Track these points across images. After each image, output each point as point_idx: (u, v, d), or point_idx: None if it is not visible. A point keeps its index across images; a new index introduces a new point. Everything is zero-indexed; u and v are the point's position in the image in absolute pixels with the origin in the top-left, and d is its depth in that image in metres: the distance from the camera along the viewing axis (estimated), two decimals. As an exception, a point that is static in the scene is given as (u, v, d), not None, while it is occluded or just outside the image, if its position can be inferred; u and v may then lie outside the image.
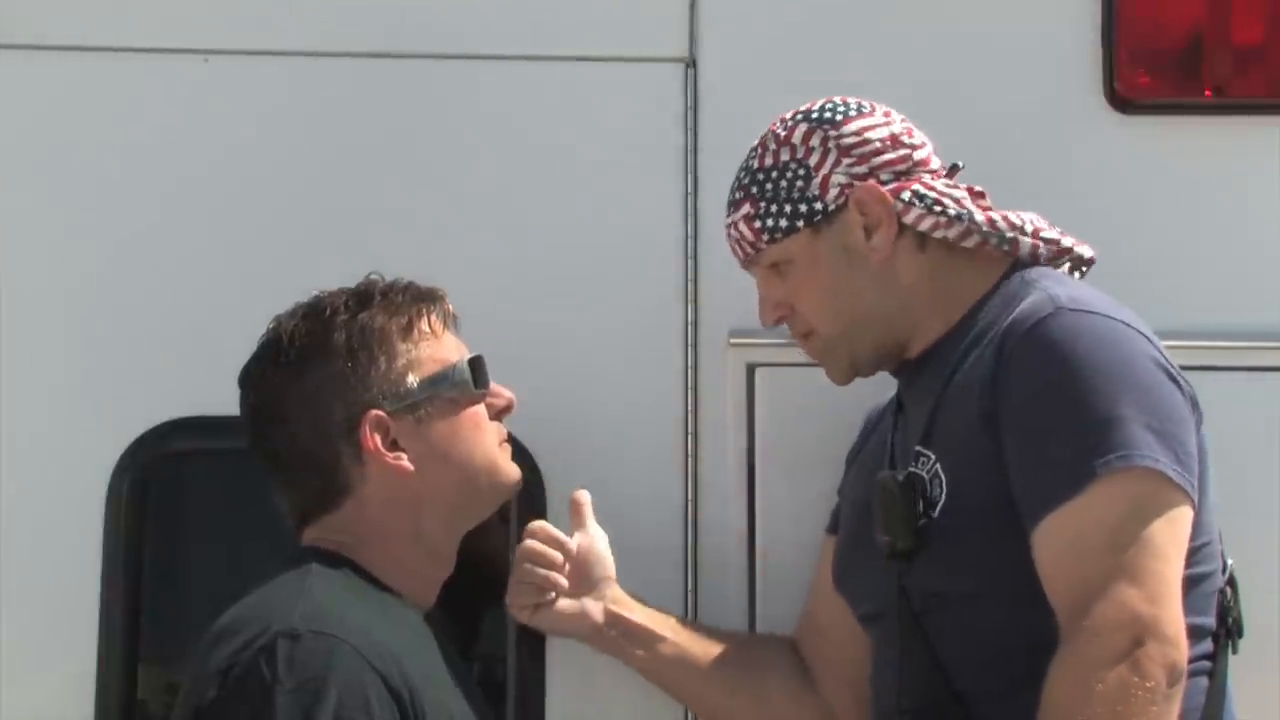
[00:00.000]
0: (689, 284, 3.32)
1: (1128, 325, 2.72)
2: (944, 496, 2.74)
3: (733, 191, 2.96)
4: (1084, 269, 2.97)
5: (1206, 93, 3.33)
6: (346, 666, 2.42)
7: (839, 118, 2.90)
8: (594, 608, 3.05)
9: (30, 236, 3.31)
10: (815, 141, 2.89)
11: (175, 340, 3.29)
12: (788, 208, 2.89)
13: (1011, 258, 2.89)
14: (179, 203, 3.32)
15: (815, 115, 2.92)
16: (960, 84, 3.32)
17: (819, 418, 3.20)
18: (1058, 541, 2.60)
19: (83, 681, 3.22)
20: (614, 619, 3.06)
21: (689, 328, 3.31)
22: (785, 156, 2.90)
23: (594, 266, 3.33)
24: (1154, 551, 2.57)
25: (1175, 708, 2.53)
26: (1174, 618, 2.55)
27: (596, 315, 3.32)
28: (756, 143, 2.95)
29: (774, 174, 2.90)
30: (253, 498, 3.08)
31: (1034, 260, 2.90)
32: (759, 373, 3.27)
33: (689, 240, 3.32)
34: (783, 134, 2.92)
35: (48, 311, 3.31)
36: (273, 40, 3.34)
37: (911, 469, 2.79)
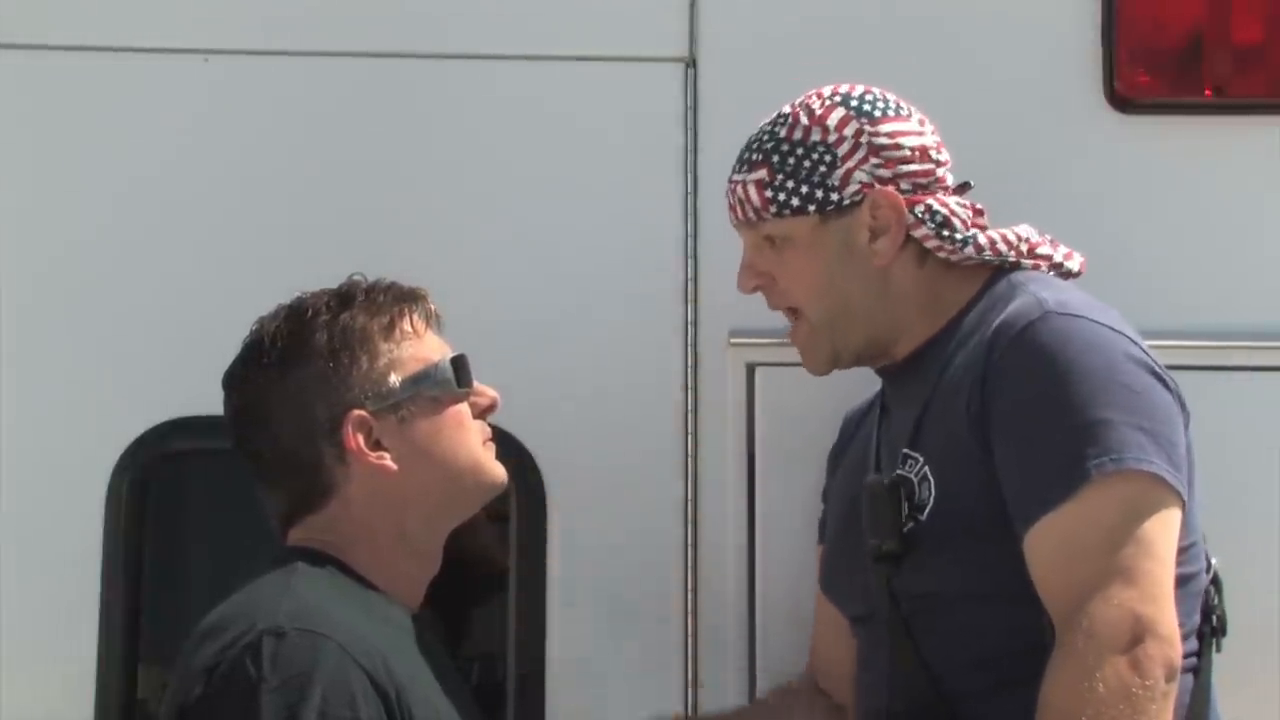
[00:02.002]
0: (689, 284, 3.32)
1: (1113, 329, 2.71)
2: (932, 499, 2.74)
3: (750, 150, 2.92)
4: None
5: (1206, 92, 3.33)
6: (332, 664, 2.41)
7: (877, 114, 2.87)
8: None
9: (30, 236, 3.31)
10: (849, 131, 2.86)
11: (175, 340, 3.29)
12: (804, 188, 2.86)
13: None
14: (178, 202, 3.33)
15: (855, 104, 2.88)
16: (961, 83, 3.32)
17: (819, 417, 3.20)
18: (1052, 543, 2.59)
19: (83, 681, 3.22)
20: None
21: (689, 328, 3.32)
22: (816, 136, 2.87)
23: (594, 266, 3.33)
24: (1149, 552, 2.57)
25: (1171, 705, 2.54)
26: (1170, 617, 2.55)
27: (597, 315, 3.32)
28: (788, 110, 2.91)
29: (799, 150, 2.87)
30: (252, 497, 3.08)
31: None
32: (759, 373, 3.27)
33: (689, 240, 3.32)
34: (818, 111, 2.88)
35: (48, 312, 3.31)
36: (273, 40, 3.35)
37: (899, 471, 2.79)
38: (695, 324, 3.32)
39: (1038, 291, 2.77)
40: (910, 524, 2.75)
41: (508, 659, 3.27)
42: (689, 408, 3.31)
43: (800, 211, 2.86)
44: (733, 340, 3.27)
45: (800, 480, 3.23)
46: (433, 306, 2.75)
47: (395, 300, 2.71)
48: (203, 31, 3.35)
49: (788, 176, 2.87)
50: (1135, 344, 2.72)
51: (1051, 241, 2.93)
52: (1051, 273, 2.92)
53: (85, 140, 3.34)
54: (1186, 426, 2.71)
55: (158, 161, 3.33)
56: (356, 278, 2.73)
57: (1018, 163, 3.28)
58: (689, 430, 3.30)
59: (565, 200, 3.34)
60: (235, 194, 3.33)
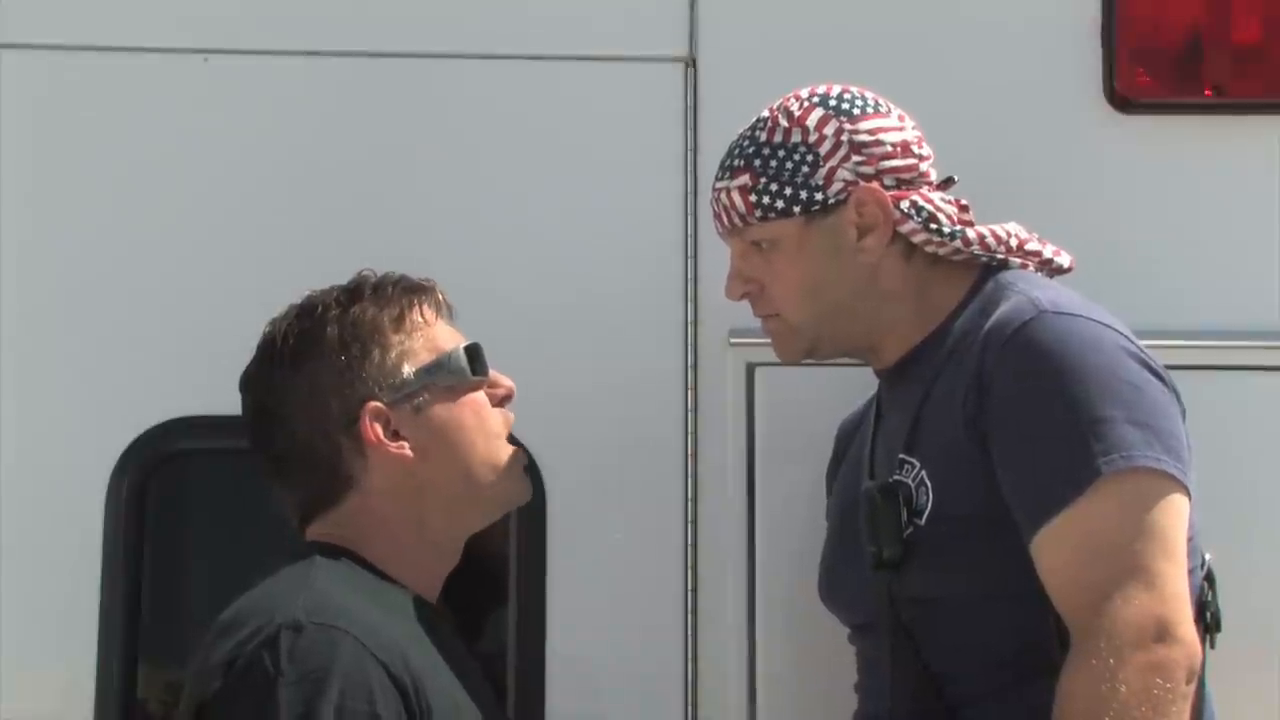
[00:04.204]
0: (689, 284, 3.32)
1: (1107, 326, 2.70)
2: (930, 503, 2.72)
3: (731, 157, 2.91)
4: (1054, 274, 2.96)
5: (1206, 92, 3.34)
6: (349, 658, 2.41)
7: (856, 111, 2.87)
8: None
9: (30, 236, 3.31)
10: (829, 130, 2.85)
11: (175, 340, 3.29)
12: (788, 190, 2.85)
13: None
14: (178, 202, 3.32)
15: (833, 103, 2.87)
16: (960, 83, 3.32)
17: (818, 417, 3.19)
18: (1066, 544, 2.57)
19: (82, 682, 3.21)
20: None
21: (689, 328, 3.32)
22: (796, 138, 2.86)
23: (594, 266, 3.33)
24: (1164, 551, 2.55)
25: (1189, 706, 2.53)
26: (1189, 619, 2.54)
27: (596, 315, 3.32)
28: (766, 114, 2.90)
29: (780, 152, 2.86)
30: (252, 497, 3.07)
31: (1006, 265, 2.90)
32: (759, 372, 3.27)
33: (689, 240, 3.32)
34: (797, 113, 2.87)
35: (48, 311, 3.30)
36: (272, 40, 3.35)
37: (896, 476, 2.78)
38: (695, 324, 3.32)
39: (1028, 291, 2.76)
40: (909, 529, 2.73)
41: (508, 659, 3.26)
42: (689, 408, 3.31)
43: (785, 214, 2.85)
44: (733, 340, 3.27)
45: (800, 480, 3.23)
46: (442, 296, 2.75)
47: (404, 292, 2.71)
48: (202, 31, 3.34)
49: (771, 179, 2.86)
50: (1131, 341, 2.71)
51: (1040, 239, 2.93)
52: (1042, 270, 2.92)
53: (84, 140, 3.33)
54: (1183, 421, 2.70)
55: (157, 162, 3.32)
56: (365, 273, 2.73)
57: (1017, 163, 3.28)
58: (689, 430, 3.30)
59: (565, 200, 3.34)
60: (235, 194, 3.32)
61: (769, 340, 2.96)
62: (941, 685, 2.72)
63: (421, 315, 2.71)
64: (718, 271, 3.14)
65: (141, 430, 3.26)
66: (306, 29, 3.35)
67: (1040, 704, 2.54)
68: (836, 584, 2.98)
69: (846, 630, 2.99)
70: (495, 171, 3.34)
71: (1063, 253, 2.94)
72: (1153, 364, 2.70)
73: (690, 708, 3.27)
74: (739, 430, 3.28)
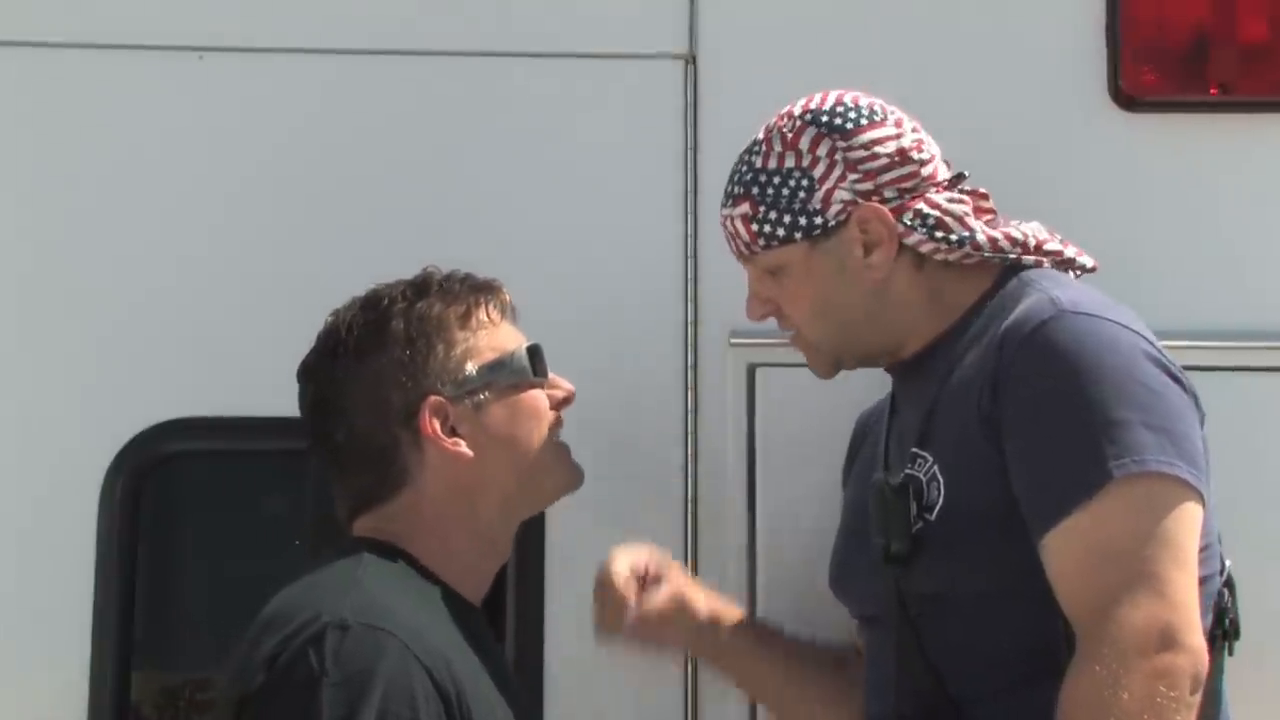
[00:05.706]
0: (689, 284, 3.31)
1: (1127, 327, 2.68)
2: (941, 499, 2.71)
3: (732, 183, 2.90)
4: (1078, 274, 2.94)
5: (1211, 90, 3.33)
6: (394, 661, 2.41)
7: (849, 126, 2.84)
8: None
9: (27, 236, 3.30)
10: (822, 151, 2.83)
11: (172, 340, 3.28)
12: (787, 218, 2.84)
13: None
14: (176, 201, 3.32)
15: (825, 120, 2.85)
16: (965, 82, 3.32)
17: (819, 418, 3.19)
18: (1075, 547, 2.56)
19: (76, 684, 3.20)
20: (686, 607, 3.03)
21: (689, 328, 3.31)
22: (790, 163, 2.84)
23: (594, 266, 3.32)
24: (1175, 558, 2.54)
25: (1194, 716, 2.51)
26: (1197, 627, 2.53)
27: (596, 315, 3.31)
28: (761, 136, 2.88)
29: (775, 179, 2.85)
30: (247, 499, 3.06)
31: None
32: (759, 373, 3.26)
33: (689, 240, 3.32)
34: (789, 135, 2.85)
35: (44, 311, 3.29)
36: (269, 37, 3.34)
37: (908, 471, 2.76)
38: (695, 324, 3.31)
39: (1050, 290, 2.74)
40: (919, 524, 2.72)
41: (507, 658, 3.25)
42: (689, 408, 3.30)
43: (788, 240, 2.84)
44: (733, 340, 3.26)
45: (801, 480, 3.23)
46: (507, 297, 2.76)
47: (471, 290, 2.72)
48: (198, 29, 3.32)
49: (769, 207, 2.84)
50: (1151, 343, 2.69)
51: (1061, 240, 2.91)
52: (1063, 269, 2.90)
53: (81, 139, 3.32)
54: (1201, 426, 2.69)
55: (154, 160, 3.31)
56: (430, 269, 2.74)
57: (1022, 161, 3.27)
58: (689, 430, 3.29)
59: (564, 199, 3.34)
60: (232, 193, 3.31)
61: (797, 355, 2.95)
62: (946, 682, 2.71)
63: (487, 314, 2.72)
64: (718, 271, 3.16)
65: (136, 431, 3.24)
66: (303, 27, 3.34)
67: (1046, 706, 2.53)
68: (846, 575, 2.98)
69: (854, 623, 2.99)
70: (495, 170, 3.34)
71: (1085, 253, 2.92)
72: (1172, 368, 2.68)
73: (690, 708, 3.26)
74: (739, 430, 3.27)
